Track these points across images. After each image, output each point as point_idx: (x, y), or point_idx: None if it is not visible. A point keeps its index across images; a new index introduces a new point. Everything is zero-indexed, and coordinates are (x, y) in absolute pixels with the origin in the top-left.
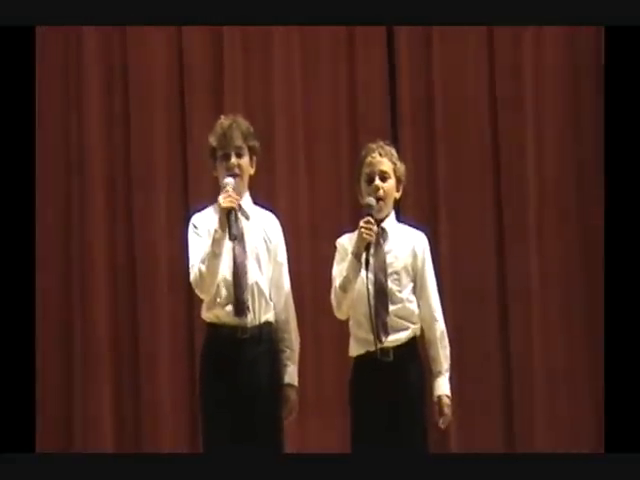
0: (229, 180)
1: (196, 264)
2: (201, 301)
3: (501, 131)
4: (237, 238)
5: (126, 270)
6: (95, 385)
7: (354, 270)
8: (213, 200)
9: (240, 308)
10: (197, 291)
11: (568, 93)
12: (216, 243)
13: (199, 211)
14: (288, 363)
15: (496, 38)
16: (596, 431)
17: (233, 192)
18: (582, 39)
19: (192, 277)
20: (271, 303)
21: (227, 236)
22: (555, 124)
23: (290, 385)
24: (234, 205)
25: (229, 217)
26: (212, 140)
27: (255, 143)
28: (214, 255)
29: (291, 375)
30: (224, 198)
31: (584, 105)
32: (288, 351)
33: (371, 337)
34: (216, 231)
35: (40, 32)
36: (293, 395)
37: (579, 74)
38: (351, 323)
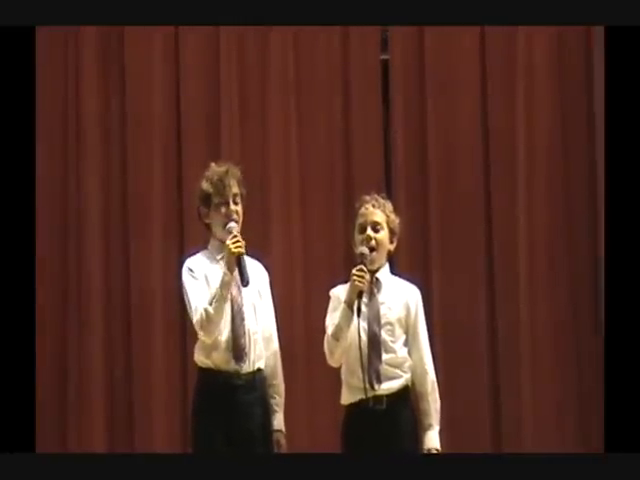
0: (234, 225)
1: (200, 306)
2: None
3: (493, 181)
4: (249, 284)
5: (121, 307)
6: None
7: (346, 318)
8: (207, 243)
9: (239, 354)
10: (201, 333)
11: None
12: (225, 287)
13: (191, 255)
14: (277, 409)
15: (489, 88)
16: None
17: (240, 237)
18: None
19: (197, 318)
20: (264, 350)
21: (240, 281)
22: (546, 171)
23: (280, 431)
24: (243, 250)
25: (240, 263)
26: (207, 187)
27: (244, 190)
28: (223, 298)
29: (280, 421)
30: (233, 243)
31: (574, 145)
32: (277, 397)
33: (363, 385)
34: (225, 274)
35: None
36: (283, 440)
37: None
38: (343, 371)
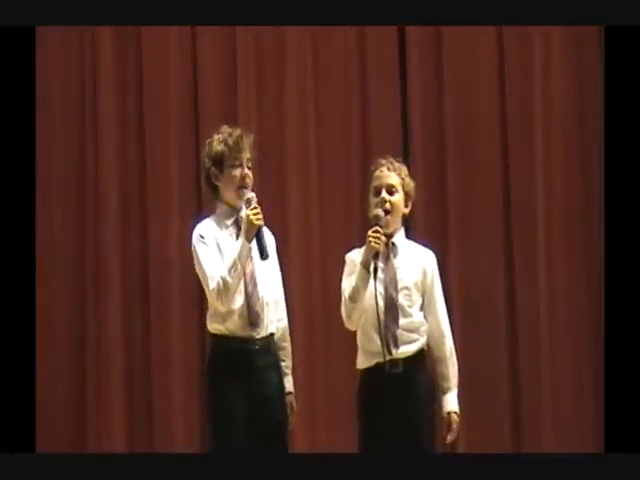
0: (253, 195)
1: (216, 274)
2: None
3: (511, 151)
4: (268, 257)
5: (140, 307)
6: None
7: (363, 280)
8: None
9: (254, 320)
10: (219, 301)
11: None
12: (244, 257)
13: (199, 222)
14: (287, 372)
15: (507, 61)
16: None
17: (259, 208)
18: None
19: (214, 286)
20: (275, 314)
21: (259, 254)
22: (563, 141)
23: (291, 393)
24: (263, 223)
25: (260, 235)
26: (222, 148)
27: (255, 155)
28: (242, 269)
29: (290, 383)
30: (254, 214)
31: (588, 121)
32: (287, 360)
33: (380, 350)
34: (244, 245)
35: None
36: (294, 402)
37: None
38: (359, 336)
